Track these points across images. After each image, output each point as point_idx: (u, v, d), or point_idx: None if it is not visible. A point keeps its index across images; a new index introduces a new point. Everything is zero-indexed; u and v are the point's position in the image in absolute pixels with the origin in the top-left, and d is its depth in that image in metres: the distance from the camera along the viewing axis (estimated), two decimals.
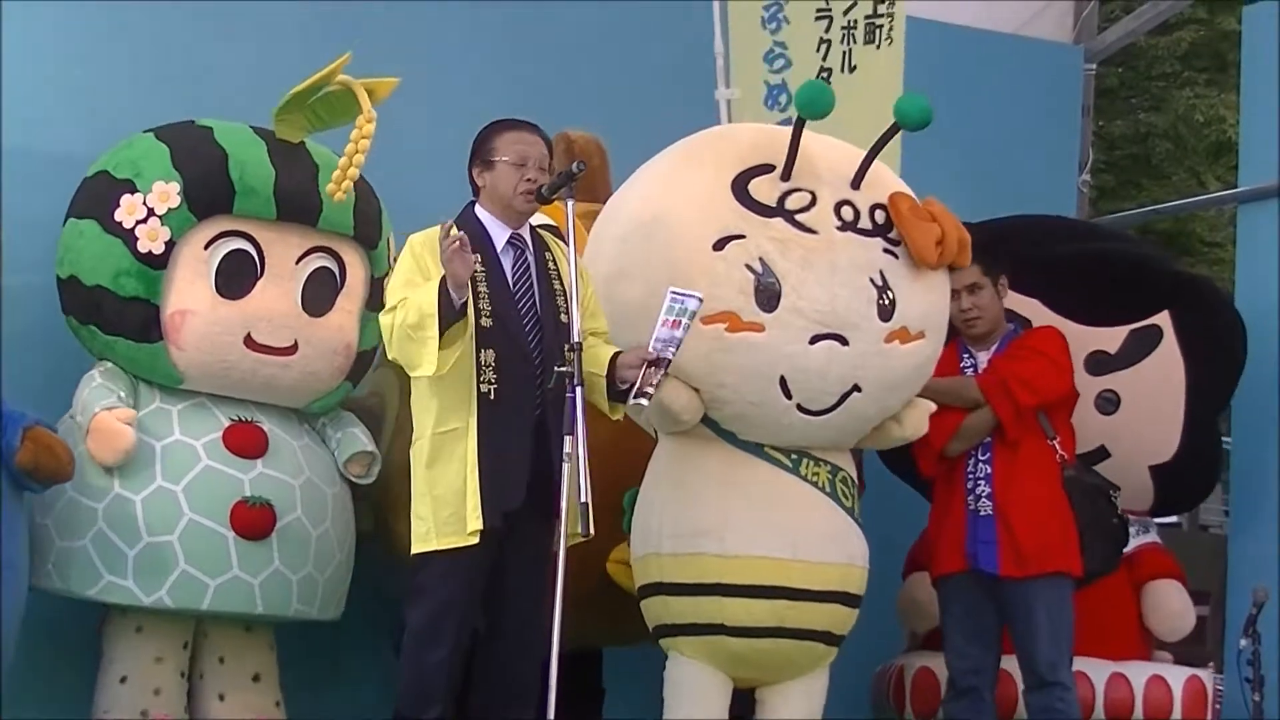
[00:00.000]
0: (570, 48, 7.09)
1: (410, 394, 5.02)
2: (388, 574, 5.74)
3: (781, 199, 5.20)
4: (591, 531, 4.62)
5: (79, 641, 5.62)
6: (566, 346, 4.76)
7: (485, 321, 4.84)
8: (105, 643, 5.51)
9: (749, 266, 5.12)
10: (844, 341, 5.15)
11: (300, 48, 5.59)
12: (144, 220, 5.43)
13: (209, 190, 5.49)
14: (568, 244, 4.83)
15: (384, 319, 4.84)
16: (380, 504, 5.86)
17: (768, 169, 5.23)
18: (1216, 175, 13.94)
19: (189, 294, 5.48)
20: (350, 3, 6.28)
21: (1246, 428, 7.09)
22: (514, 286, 4.93)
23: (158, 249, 5.43)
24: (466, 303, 4.71)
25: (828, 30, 6.30)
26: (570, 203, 4.80)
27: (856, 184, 5.28)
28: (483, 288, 4.87)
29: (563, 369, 4.74)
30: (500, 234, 4.97)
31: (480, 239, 4.93)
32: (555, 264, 5.03)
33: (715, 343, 5.11)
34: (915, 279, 5.30)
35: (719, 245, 5.13)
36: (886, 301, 5.22)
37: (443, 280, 4.67)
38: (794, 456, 5.27)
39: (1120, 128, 14.30)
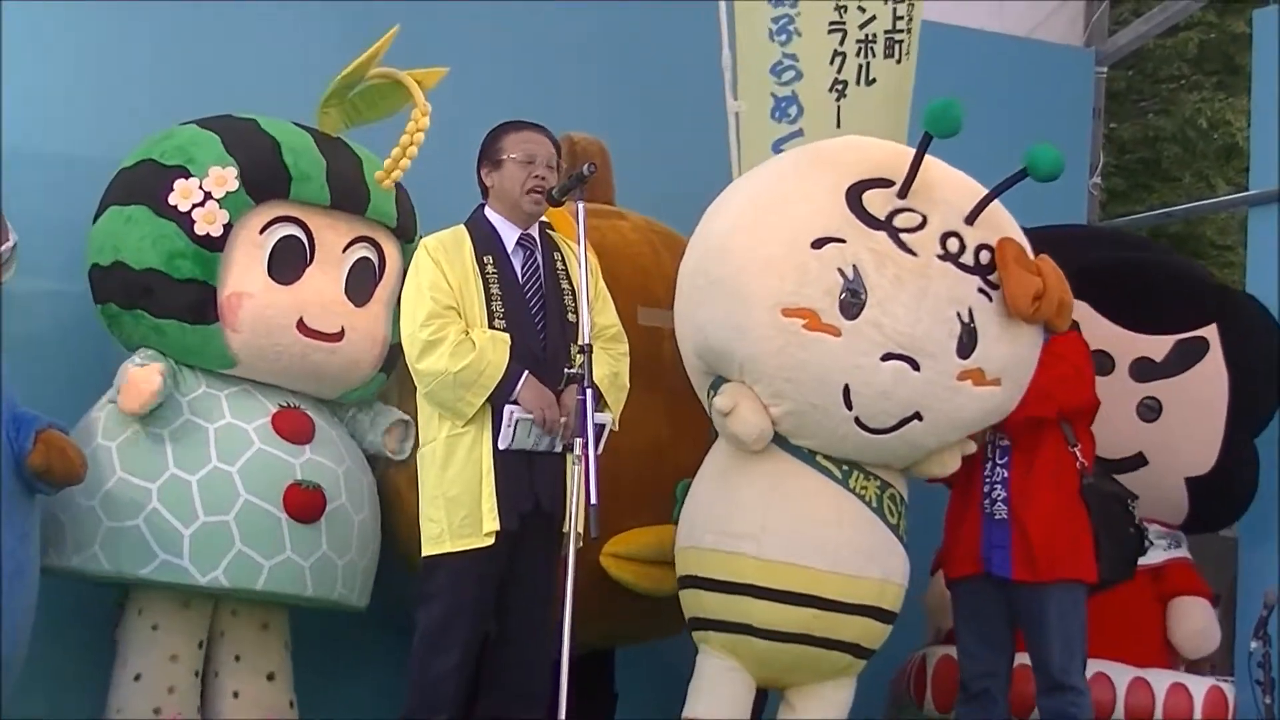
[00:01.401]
0: (574, 51, 7.09)
1: (415, 394, 5.04)
2: (395, 576, 5.75)
3: (891, 215, 5.22)
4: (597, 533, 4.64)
5: (91, 639, 5.64)
6: (575, 349, 4.76)
7: (499, 324, 4.85)
8: (120, 641, 5.51)
9: (841, 271, 5.14)
10: (915, 366, 5.16)
11: (308, 50, 5.61)
12: (201, 204, 5.45)
13: (265, 175, 5.53)
14: (578, 245, 4.84)
15: (424, 341, 4.80)
16: (385, 507, 5.88)
17: (887, 184, 5.25)
18: (1226, 178, 13.94)
19: (246, 277, 5.52)
20: (355, 3, 6.29)
21: None
22: (524, 287, 4.94)
23: (215, 231, 5.46)
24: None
25: (841, 43, 6.26)
26: (581, 204, 4.81)
27: (971, 220, 5.28)
28: (495, 289, 4.88)
29: (572, 370, 4.75)
30: (510, 234, 4.98)
31: (491, 240, 4.95)
32: (564, 263, 5.04)
33: (791, 337, 5.14)
34: (1005, 326, 5.28)
35: (818, 244, 5.15)
36: (968, 339, 5.22)
37: (517, 371, 4.75)
38: (845, 468, 5.29)
39: (1129, 130, 14.30)
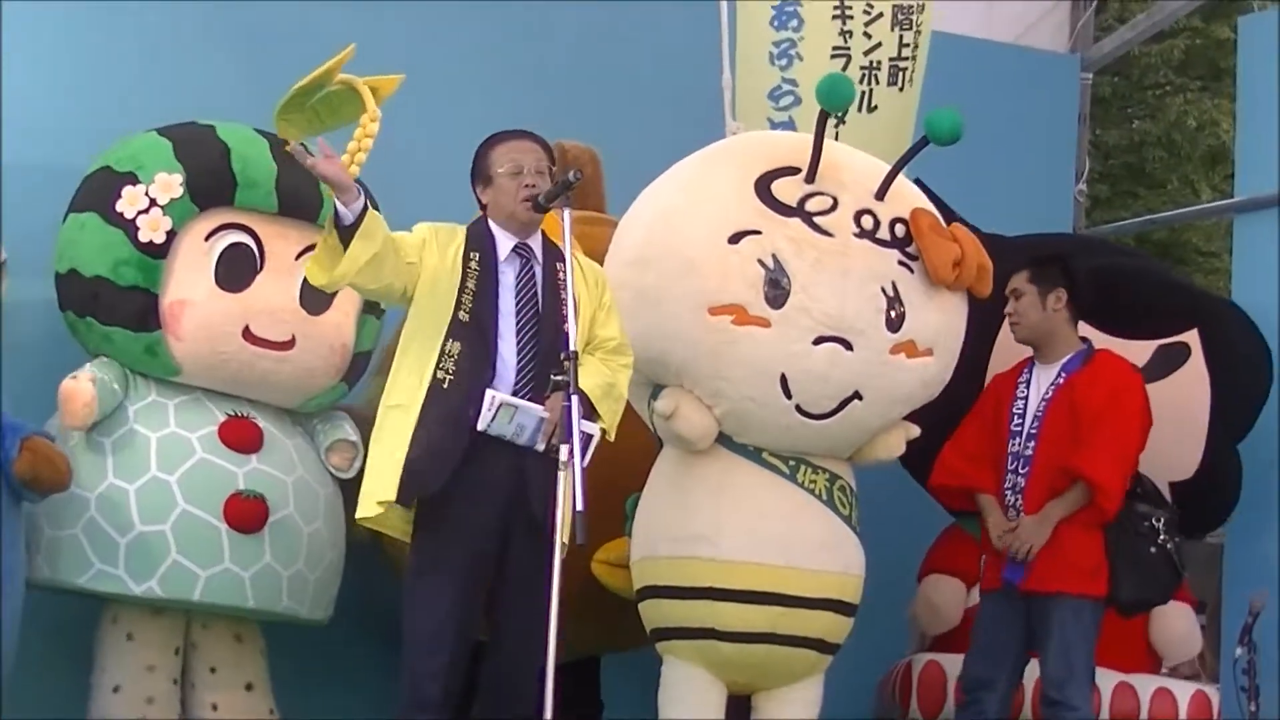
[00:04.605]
0: (568, 57, 7.09)
1: None
2: (384, 580, 5.74)
3: (802, 200, 5.24)
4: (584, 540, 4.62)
5: (80, 644, 5.62)
6: (562, 355, 4.75)
7: (463, 316, 4.83)
8: (97, 651, 5.51)
9: (761, 262, 5.16)
10: (848, 346, 5.18)
11: (297, 56, 5.59)
12: (145, 210, 5.46)
13: (211, 181, 5.52)
14: (564, 252, 4.82)
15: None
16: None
17: (794, 171, 5.27)
18: (1211, 184, 13.96)
19: (188, 284, 5.51)
20: (347, 4, 6.30)
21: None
22: (518, 295, 4.92)
23: (158, 239, 5.46)
24: (366, 207, 4.66)
25: (844, 69, 6.10)
26: (567, 211, 4.79)
27: (880, 195, 5.31)
28: (470, 284, 4.88)
29: (558, 377, 4.73)
30: (506, 243, 4.96)
31: (484, 244, 4.94)
32: (566, 274, 5.01)
33: (720, 334, 5.15)
34: (930, 296, 5.31)
35: (734, 239, 5.17)
36: (895, 313, 5.24)
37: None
38: (791, 463, 5.29)
39: (1114, 137, 14.32)
